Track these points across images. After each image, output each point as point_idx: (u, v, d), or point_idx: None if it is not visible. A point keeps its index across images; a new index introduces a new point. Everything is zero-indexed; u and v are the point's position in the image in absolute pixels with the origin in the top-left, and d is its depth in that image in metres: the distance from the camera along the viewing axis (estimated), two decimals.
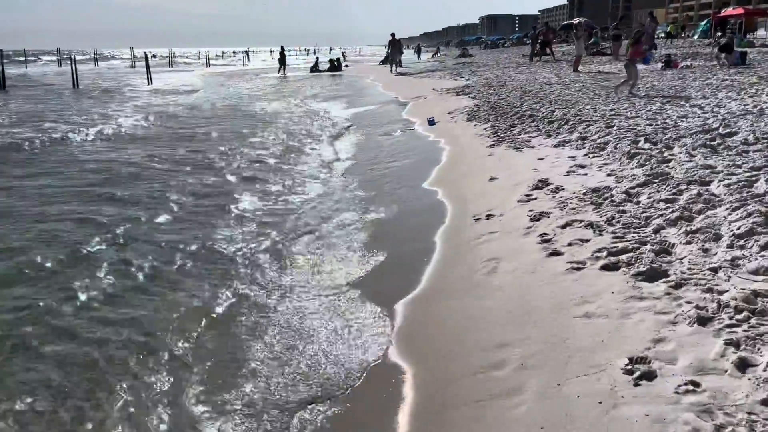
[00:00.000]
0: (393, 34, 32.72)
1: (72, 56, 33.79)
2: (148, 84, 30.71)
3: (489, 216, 5.85)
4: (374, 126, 14.58)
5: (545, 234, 4.99)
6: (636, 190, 5.72)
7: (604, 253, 4.34)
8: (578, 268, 4.21)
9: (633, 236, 4.59)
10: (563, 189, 6.17)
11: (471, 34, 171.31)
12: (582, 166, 7.02)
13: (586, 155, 7.56)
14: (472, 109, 13.49)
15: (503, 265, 4.56)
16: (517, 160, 8.00)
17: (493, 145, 9.25)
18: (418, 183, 8.13)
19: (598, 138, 8.35)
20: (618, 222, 4.94)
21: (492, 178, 7.29)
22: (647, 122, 9.06)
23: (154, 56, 75.23)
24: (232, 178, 9.31)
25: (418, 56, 58.89)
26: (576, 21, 47.14)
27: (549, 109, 11.67)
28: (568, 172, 6.86)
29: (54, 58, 69.48)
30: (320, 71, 40.14)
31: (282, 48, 43.71)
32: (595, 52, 30.39)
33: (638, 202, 5.38)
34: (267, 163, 10.67)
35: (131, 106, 21.14)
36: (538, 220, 5.39)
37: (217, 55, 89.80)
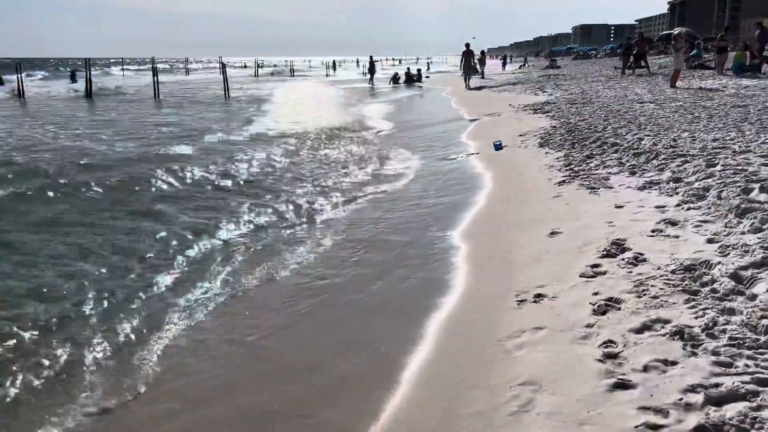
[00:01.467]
0: (467, 45, 30.07)
1: (154, 67, 34.33)
2: (226, 99, 30.47)
3: (538, 297, 4.31)
4: (425, 149, 13.17)
5: (611, 343, 3.43)
6: (749, 272, 4.03)
7: (700, 398, 2.76)
8: (656, 427, 2.66)
9: (747, 365, 2.98)
10: (645, 260, 4.55)
11: (563, 44, 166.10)
12: (673, 223, 5.34)
13: (679, 205, 5.85)
14: (547, 131, 11.82)
15: (541, 399, 3.04)
16: (589, 206, 6.38)
17: (564, 181, 7.63)
18: (447, 232, 6.64)
19: (696, 181, 6.57)
20: (723, 332, 3.32)
21: (553, 233, 5.72)
22: (763, 161, 7.16)
23: (245, 66, 76.86)
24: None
25: (503, 67, 56.90)
26: (676, 31, 43.71)
27: (636, 136, 9.84)
28: (653, 231, 5.21)
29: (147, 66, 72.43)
30: (399, 83, 39.03)
31: (371, 58, 43.61)
32: (697, 65, 27.56)
33: (753, 296, 3.72)
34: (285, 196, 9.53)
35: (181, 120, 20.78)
36: (604, 313, 3.83)
37: (314, 66, 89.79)
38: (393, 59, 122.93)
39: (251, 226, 7.47)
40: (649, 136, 9.71)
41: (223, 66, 33.87)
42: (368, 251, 6.31)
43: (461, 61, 30.19)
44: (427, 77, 44.00)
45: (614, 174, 7.58)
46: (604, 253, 4.85)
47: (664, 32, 48.68)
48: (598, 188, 7.03)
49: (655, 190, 6.57)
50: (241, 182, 10.19)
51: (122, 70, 64.31)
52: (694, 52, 29.07)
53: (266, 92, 34.61)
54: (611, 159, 8.41)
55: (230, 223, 7.53)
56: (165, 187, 9.79)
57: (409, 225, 7.29)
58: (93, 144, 14.43)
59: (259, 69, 65.11)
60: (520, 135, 12.08)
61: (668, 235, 5.06)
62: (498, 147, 11.18)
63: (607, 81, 24.64)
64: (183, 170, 10.73)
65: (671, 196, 6.24)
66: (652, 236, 5.09)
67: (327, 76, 60.08)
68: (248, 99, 30.12)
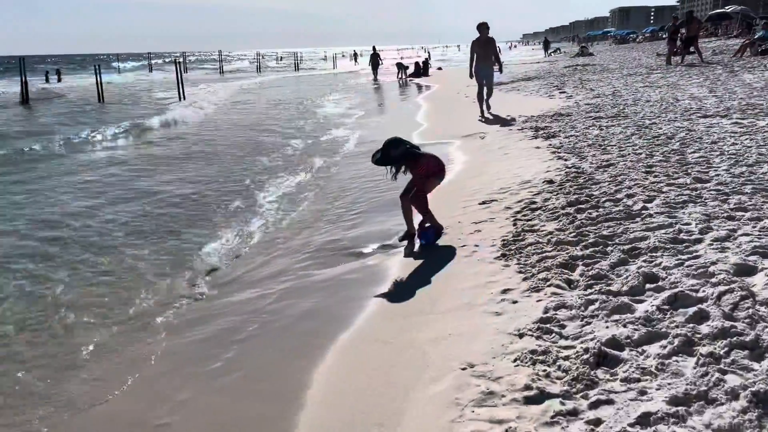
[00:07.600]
0: (483, 26, 13.03)
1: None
2: (180, 100, 24.81)
3: None
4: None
5: None
6: None
7: None
8: None
9: None
10: None
11: (599, 28, 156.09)
12: None
13: None
14: (536, 193, 5.91)
15: None
16: None
17: None
18: None
19: None
20: None
21: None
22: None
23: (264, 60, 71.04)
24: None
25: (546, 52, 51.11)
26: (729, 9, 36.35)
27: (731, 249, 3.85)
28: None
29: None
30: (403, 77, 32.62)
31: (374, 48, 35.34)
32: (764, 51, 20.73)
33: None
34: None
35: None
36: None
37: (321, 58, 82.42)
38: (423, 47, 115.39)
39: None
40: (756, 244, 3.72)
41: (175, 63, 27.43)
42: None
43: (471, 57, 13.55)
44: (439, 68, 37.58)
45: None
46: None
47: (714, 11, 40.99)
48: None
49: None
50: None
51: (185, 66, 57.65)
52: (760, 33, 22.16)
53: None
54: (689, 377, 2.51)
55: None
56: None
57: None
58: None
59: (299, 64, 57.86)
60: (483, 203, 6.16)
61: None
62: (426, 240, 5.30)
63: (648, 74, 18.17)
64: None
65: None
66: None
67: (335, 68, 53.56)
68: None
